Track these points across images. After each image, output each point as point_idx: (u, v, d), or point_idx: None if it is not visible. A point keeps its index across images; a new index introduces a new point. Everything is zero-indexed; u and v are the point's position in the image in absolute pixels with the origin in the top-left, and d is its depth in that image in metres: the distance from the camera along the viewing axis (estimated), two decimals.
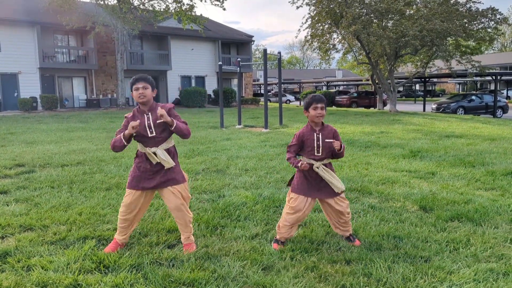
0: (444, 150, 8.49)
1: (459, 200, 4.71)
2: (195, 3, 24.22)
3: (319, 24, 24.48)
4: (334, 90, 40.78)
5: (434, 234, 3.70)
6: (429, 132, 11.98)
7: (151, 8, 25.54)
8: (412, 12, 22.66)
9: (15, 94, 23.49)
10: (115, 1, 24.00)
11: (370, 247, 3.42)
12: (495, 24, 22.08)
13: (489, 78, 29.18)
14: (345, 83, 48.65)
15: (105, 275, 2.94)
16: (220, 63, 15.33)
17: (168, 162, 3.27)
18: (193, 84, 30.70)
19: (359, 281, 2.84)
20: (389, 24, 23.22)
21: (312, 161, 3.36)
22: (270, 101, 39.50)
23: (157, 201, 4.69)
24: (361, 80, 36.42)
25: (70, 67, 25.16)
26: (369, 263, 3.11)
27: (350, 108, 29.90)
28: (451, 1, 22.24)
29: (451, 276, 2.90)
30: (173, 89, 29.56)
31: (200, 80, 31.37)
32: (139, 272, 2.99)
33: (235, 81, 33.36)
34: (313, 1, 23.73)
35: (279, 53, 15.36)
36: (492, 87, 42.86)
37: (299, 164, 3.30)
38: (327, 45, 25.34)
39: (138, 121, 3.20)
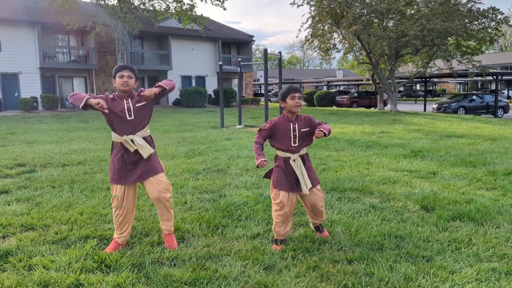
0: (445, 150, 8.48)
1: (461, 200, 4.71)
2: (195, 3, 24.23)
3: (320, 24, 24.47)
4: (334, 90, 40.77)
5: (435, 234, 3.70)
6: (430, 132, 11.97)
7: (151, 8, 25.54)
8: (413, 12, 22.65)
9: (16, 94, 23.50)
10: (116, 1, 24.01)
11: (372, 246, 3.41)
12: (495, 25, 22.06)
13: (490, 78, 29.17)
14: (345, 83, 48.64)
15: (106, 274, 2.94)
16: (221, 63, 15.33)
17: (146, 149, 3.26)
18: (193, 84, 30.70)
19: (361, 281, 2.84)
20: (389, 24, 23.22)
21: (289, 154, 3.34)
22: (271, 101, 39.52)
23: None
24: (362, 80, 36.40)
25: (71, 67, 25.18)
26: (371, 263, 3.10)
27: (351, 108, 29.88)
28: (452, 1, 22.22)
29: (453, 276, 2.90)
30: (174, 89, 29.51)
31: (201, 80, 31.38)
32: (140, 272, 2.99)
33: (235, 81, 33.36)
34: (314, 1, 23.73)
35: (280, 53, 15.35)
36: (493, 87, 42.86)
37: (258, 162, 3.21)
38: (328, 45, 25.34)
39: (102, 101, 3.07)
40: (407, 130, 12.70)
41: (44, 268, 3.02)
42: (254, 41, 34.04)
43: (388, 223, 3.98)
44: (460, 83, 55.25)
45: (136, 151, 3.28)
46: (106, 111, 3.16)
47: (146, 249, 3.36)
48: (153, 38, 29.02)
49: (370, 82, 29.66)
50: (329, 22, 24.24)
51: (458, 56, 22.59)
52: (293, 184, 3.38)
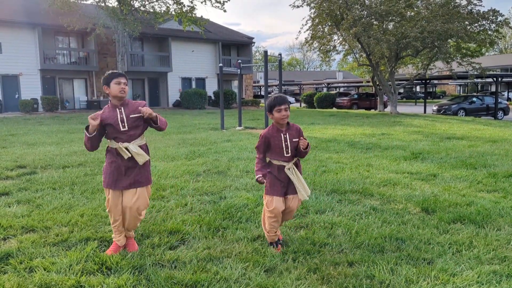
0: (446, 152, 8.48)
1: (461, 202, 4.71)
2: (195, 5, 24.28)
3: (320, 26, 24.52)
4: (334, 91, 40.79)
5: (436, 236, 3.69)
6: (430, 134, 11.98)
7: (151, 10, 25.58)
8: (413, 14, 22.69)
9: (16, 95, 23.52)
10: (116, 3, 24.04)
11: (373, 249, 3.41)
12: (496, 27, 22.09)
13: (490, 80, 29.21)
14: (345, 84, 48.71)
15: (107, 276, 2.94)
16: (221, 64, 15.34)
17: (142, 156, 3.25)
18: (193, 85, 30.72)
19: (362, 283, 2.84)
20: (389, 26, 23.26)
21: (283, 163, 3.35)
22: None
23: (158, 202, 4.69)
24: (362, 82, 36.44)
25: (71, 69, 25.20)
26: (372, 265, 3.10)
27: (351, 110, 29.89)
28: (452, 3, 22.27)
29: (454, 279, 2.90)
30: (174, 91, 29.59)
31: (201, 81, 31.40)
32: (141, 274, 2.98)
33: (235, 83, 33.39)
34: (314, 3, 23.77)
35: (280, 55, 15.36)
36: (493, 89, 42.89)
37: (257, 178, 3.32)
38: (328, 47, 25.38)
39: (97, 115, 3.17)
40: (407, 132, 12.71)
41: (45, 270, 3.01)
42: (254, 43, 34.08)
43: (389, 225, 3.97)
44: (460, 85, 55.30)
45: (131, 157, 3.26)
46: (98, 121, 3.18)
47: (147, 251, 3.36)
48: (153, 40, 29.05)
49: (370, 84, 29.70)
50: (329, 24, 24.29)
51: (458, 58, 22.62)
52: (285, 190, 3.40)
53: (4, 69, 22.99)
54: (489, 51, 45.42)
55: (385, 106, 27.76)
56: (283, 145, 3.32)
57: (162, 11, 25.16)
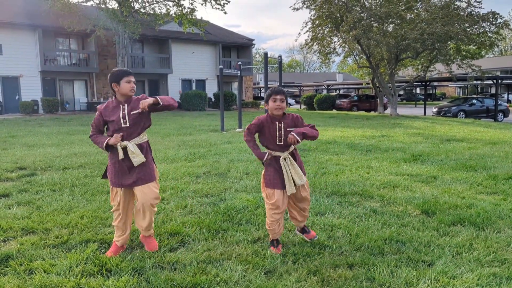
0: (446, 154, 8.48)
1: (461, 204, 4.71)
2: (195, 7, 24.33)
3: (320, 28, 24.55)
4: (334, 93, 40.82)
5: (436, 239, 3.69)
6: (430, 136, 11.98)
7: (152, 12, 25.62)
8: (413, 16, 22.72)
9: (17, 97, 23.53)
10: (116, 5, 24.08)
11: (373, 251, 3.41)
12: (496, 29, 22.12)
13: (490, 81, 29.22)
14: (345, 86, 48.73)
15: (107, 278, 2.94)
16: (221, 66, 15.35)
17: (138, 157, 3.25)
18: (193, 87, 30.75)
19: (362, 286, 2.84)
20: (389, 28, 23.29)
21: (278, 153, 3.34)
22: None
23: (158, 204, 4.69)
24: (362, 84, 36.47)
25: (71, 70, 25.23)
26: (372, 268, 3.10)
27: (351, 111, 29.90)
28: (452, 6, 22.31)
29: (454, 281, 2.89)
30: (174, 93, 29.62)
31: (201, 83, 31.43)
32: (141, 276, 2.98)
33: (235, 85, 33.41)
34: (314, 5, 23.81)
35: (280, 56, 15.38)
36: (493, 90, 42.91)
37: (264, 159, 3.27)
38: (328, 49, 25.41)
39: (120, 136, 3.23)
40: (407, 134, 12.71)
41: (45, 272, 3.01)
42: (254, 44, 34.11)
43: (389, 228, 3.97)
44: (460, 87, 55.33)
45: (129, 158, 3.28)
46: (122, 145, 3.23)
47: (147, 253, 3.36)
48: (154, 41, 29.09)
49: (370, 85, 29.71)
50: (329, 26, 24.32)
51: (458, 60, 22.65)
52: (283, 181, 3.37)
53: (4, 71, 23.01)
54: (489, 53, 45.47)
55: (385, 108, 27.78)
56: (277, 133, 3.30)
57: (162, 13, 25.20)
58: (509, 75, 43.82)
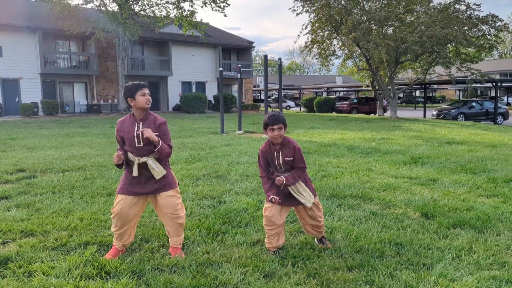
0: (445, 156, 8.48)
1: (461, 207, 4.71)
2: (195, 9, 24.39)
3: (319, 31, 24.60)
4: (334, 96, 40.85)
5: (436, 241, 3.69)
6: (430, 139, 11.99)
7: (152, 14, 25.67)
8: (412, 19, 22.77)
9: (16, 99, 23.54)
10: (116, 7, 24.13)
11: (372, 254, 3.41)
12: (495, 31, 22.16)
13: (489, 84, 29.26)
14: (345, 89, 48.76)
15: (106, 281, 2.93)
16: (221, 69, 15.38)
17: (159, 172, 3.24)
18: (193, 89, 30.77)
19: None
20: (389, 31, 23.34)
21: (282, 176, 3.37)
22: (270, 107, 39.59)
23: None
24: (362, 86, 36.50)
25: (71, 73, 25.24)
26: (371, 270, 3.09)
27: (351, 114, 29.93)
28: (451, 8, 22.35)
29: (453, 284, 2.89)
30: (174, 95, 29.64)
31: (201, 86, 31.46)
32: (140, 279, 2.98)
33: (235, 87, 33.43)
34: (313, 8, 23.86)
35: (280, 59, 15.42)
36: (493, 93, 42.95)
37: (270, 198, 3.34)
38: (327, 51, 25.45)
39: (120, 154, 3.24)
40: (407, 136, 12.72)
41: (44, 274, 3.01)
42: (254, 47, 34.17)
43: (389, 230, 3.97)
44: (459, 90, 55.39)
45: (148, 169, 3.26)
46: (141, 161, 3.24)
47: (146, 255, 3.35)
48: (154, 44, 29.13)
49: (370, 88, 29.74)
50: (329, 28, 24.37)
51: (458, 63, 22.68)
52: (285, 198, 3.41)
53: (4, 73, 23.02)
54: (488, 56, 45.53)
55: (384, 110, 27.80)
56: (276, 162, 3.40)
57: (162, 16, 25.26)
58: (508, 78, 43.89)
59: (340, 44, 25.40)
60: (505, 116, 24.59)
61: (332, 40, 25.27)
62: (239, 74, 15.08)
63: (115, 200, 3.33)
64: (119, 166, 3.30)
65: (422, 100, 41.96)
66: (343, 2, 23.40)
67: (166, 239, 3.70)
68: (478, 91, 51.11)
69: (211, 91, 31.62)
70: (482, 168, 7.13)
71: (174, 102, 29.47)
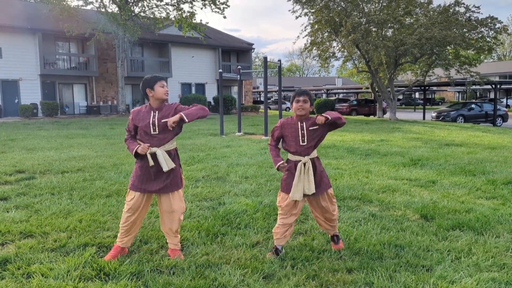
0: (445, 158, 8.49)
1: (460, 209, 4.71)
2: (195, 11, 24.41)
3: (319, 32, 24.65)
4: (334, 98, 40.88)
5: (435, 243, 3.69)
6: (429, 141, 11.99)
7: (151, 16, 25.69)
8: (412, 21, 22.82)
9: (16, 100, 23.53)
10: (116, 9, 24.15)
11: (371, 255, 3.40)
12: (494, 34, 22.21)
13: (488, 86, 29.30)
14: (344, 91, 48.82)
15: (105, 282, 2.93)
16: (221, 70, 15.39)
17: (167, 164, 3.27)
18: (193, 91, 30.79)
19: None
20: (388, 33, 23.38)
21: (299, 157, 3.34)
22: (270, 109, 39.61)
23: (156, 208, 4.67)
24: (361, 88, 36.53)
25: (71, 74, 25.24)
26: (371, 272, 3.09)
27: (350, 116, 29.94)
28: (451, 11, 22.40)
29: (453, 286, 2.89)
30: (174, 96, 29.63)
31: (200, 87, 31.47)
32: (139, 280, 2.97)
33: (235, 89, 33.45)
34: (312, 10, 23.90)
35: (279, 61, 15.43)
36: (492, 95, 43.01)
37: (277, 166, 3.34)
38: (327, 53, 25.49)
39: (148, 146, 3.24)
40: (406, 138, 12.72)
41: (42, 276, 3.00)
42: (253, 49, 34.19)
43: (388, 232, 3.97)
44: (459, 92, 55.45)
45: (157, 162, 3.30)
46: (151, 151, 3.25)
47: (145, 257, 3.35)
48: (153, 45, 29.15)
49: (369, 90, 29.77)
50: (328, 30, 24.41)
51: (457, 65, 22.71)
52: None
53: (4, 74, 23.01)
54: (487, 58, 45.64)
55: (384, 112, 27.82)
56: (299, 133, 3.33)
57: (162, 17, 25.28)
58: (507, 80, 43.95)
59: (340, 46, 25.44)
60: (504, 118, 24.61)
61: (331, 42, 25.31)
62: (238, 76, 15.08)
63: (128, 196, 3.36)
64: (137, 156, 3.32)
65: (422, 102, 42.00)
66: (342, 4, 23.45)
67: (165, 240, 3.69)
68: (478, 93, 51.17)
69: (210, 93, 31.64)
70: (481, 170, 7.14)
71: None
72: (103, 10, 23.70)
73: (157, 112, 3.31)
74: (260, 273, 3.08)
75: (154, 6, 25.28)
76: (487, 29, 22.12)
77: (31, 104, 22.75)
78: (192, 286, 2.86)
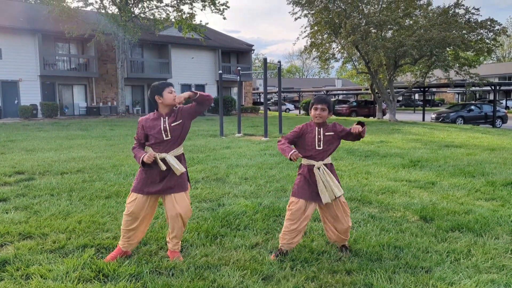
0: (444, 160, 8.49)
1: (460, 210, 4.71)
2: (195, 12, 24.43)
3: (319, 34, 24.68)
4: (333, 99, 40.92)
5: (434, 245, 3.69)
6: (429, 142, 12.00)
7: (151, 17, 25.71)
8: (411, 22, 22.85)
9: (16, 101, 23.53)
10: (116, 10, 24.17)
11: (371, 257, 3.40)
12: (494, 35, 22.24)
13: (488, 88, 29.34)
14: (344, 92, 48.84)
15: (104, 284, 2.93)
16: (220, 71, 15.40)
17: (178, 169, 3.27)
18: None
19: None
20: (388, 34, 23.41)
21: (313, 162, 3.34)
22: (270, 110, 39.61)
23: (156, 209, 4.68)
24: (361, 89, 36.55)
25: (71, 75, 25.25)
26: (370, 274, 3.09)
27: (350, 117, 29.96)
28: (450, 12, 22.43)
29: (452, 287, 2.89)
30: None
31: (200, 88, 31.48)
32: (138, 281, 2.97)
33: (235, 90, 33.47)
34: (312, 12, 23.93)
35: (279, 62, 15.44)
36: (491, 97, 43.04)
37: (290, 154, 3.21)
38: (327, 54, 25.51)
39: (153, 155, 3.23)
40: (405, 139, 12.73)
41: (41, 277, 3.00)
42: (253, 50, 34.23)
43: (387, 234, 3.97)
44: (458, 93, 55.50)
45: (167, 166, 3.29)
46: (161, 157, 3.25)
47: (144, 258, 3.34)
48: (153, 46, 29.17)
49: (369, 91, 29.79)
50: (328, 31, 24.44)
51: (456, 67, 22.74)
52: (314, 194, 3.33)
53: (4, 75, 23.02)
54: (487, 59, 45.67)
55: (383, 113, 27.83)
56: (316, 138, 3.34)
57: (162, 18, 25.31)
58: (507, 81, 43.99)
59: (339, 47, 25.47)
60: (503, 119, 24.62)
61: (331, 43, 25.34)
62: (238, 77, 15.09)
63: (128, 198, 3.34)
64: (144, 164, 3.30)
65: (421, 103, 42.01)
66: (342, 6, 23.48)
67: (164, 242, 3.69)
68: (477, 95, 51.21)
69: (210, 94, 31.63)
70: (480, 171, 7.14)
71: None
72: (103, 11, 23.73)
73: (166, 118, 3.31)
74: (260, 275, 3.07)
75: (154, 7, 25.32)
76: (486, 31, 22.16)
77: (31, 105, 22.75)
78: (191, 287, 2.86)
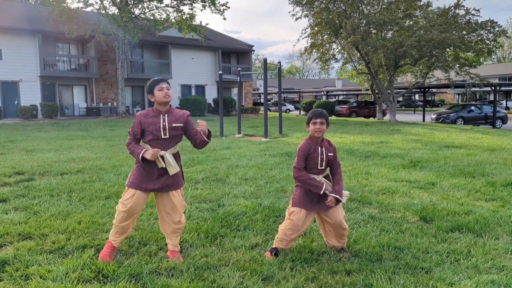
0: (444, 160, 8.49)
1: (460, 211, 4.70)
2: (195, 12, 24.45)
3: (319, 34, 24.70)
4: (333, 99, 40.92)
5: (434, 245, 3.69)
6: (429, 142, 12.00)
7: (151, 18, 25.72)
8: (411, 23, 22.86)
9: (16, 102, 23.54)
10: (116, 10, 24.17)
11: (371, 257, 3.40)
12: (494, 37, 22.26)
13: (488, 88, 29.34)
14: (344, 92, 48.84)
15: (103, 284, 2.92)
16: (221, 72, 15.40)
17: (174, 168, 3.28)
18: (193, 93, 30.80)
19: None
20: (388, 35, 23.42)
21: (314, 176, 3.38)
22: (270, 110, 39.62)
23: (155, 210, 4.67)
24: (361, 90, 36.54)
25: (71, 76, 25.25)
26: (370, 274, 3.09)
27: (350, 117, 29.96)
28: (450, 13, 22.44)
29: None
30: (173, 98, 29.65)
31: (200, 89, 31.49)
32: (138, 282, 2.97)
33: (235, 90, 33.47)
34: (312, 12, 23.95)
35: (279, 63, 15.44)
36: (492, 97, 43.04)
37: (322, 189, 3.31)
38: (327, 55, 25.52)
39: (157, 152, 3.23)
40: (406, 140, 12.73)
41: (41, 278, 3.00)
42: (253, 50, 34.22)
43: (387, 234, 3.97)
44: (458, 94, 55.50)
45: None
46: (160, 154, 3.25)
47: (144, 259, 3.34)
48: (153, 47, 29.18)
49: (369, 92, 29.79)
50: (328, 32, 24.46)
51: (457, 67, 22.75)
52: (314, 203, 3.39)
53: (4, 75, 23.03)
54: (487, 60, 45.68)
55: (384, 114, 27.83)
56: (319, 157, 3.38)
57: (162, 19, 25.32)
58: (507, 82, 44.01)
59: (340, 47, 25.48)
60: (504, 120, 24.62)
61: (331, 44, 25.35)
62: (238, 78, 15.10)
63: (125, 194, 3.29)
64: (143, 160, 3.29)
65: (421, 104, 42.02)
66: (342, 6, 23.49)
67: (164, 242, 3.69)
68: (477, 95, 51.21)
69: (210, 94, 31.65)
70: (480, 172, 7.14)
71: (174, 105, 29.26)
72: (103, 12, 23.73)
73: (166, 115, 3.30)
74: (259, 275, 3.07)
75: (154, 8, 25.33)
76: (486, 32, 22.18)
77: (31, 105, 22.76)
78: None
